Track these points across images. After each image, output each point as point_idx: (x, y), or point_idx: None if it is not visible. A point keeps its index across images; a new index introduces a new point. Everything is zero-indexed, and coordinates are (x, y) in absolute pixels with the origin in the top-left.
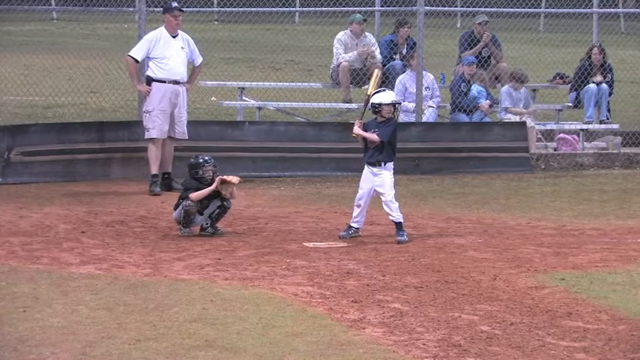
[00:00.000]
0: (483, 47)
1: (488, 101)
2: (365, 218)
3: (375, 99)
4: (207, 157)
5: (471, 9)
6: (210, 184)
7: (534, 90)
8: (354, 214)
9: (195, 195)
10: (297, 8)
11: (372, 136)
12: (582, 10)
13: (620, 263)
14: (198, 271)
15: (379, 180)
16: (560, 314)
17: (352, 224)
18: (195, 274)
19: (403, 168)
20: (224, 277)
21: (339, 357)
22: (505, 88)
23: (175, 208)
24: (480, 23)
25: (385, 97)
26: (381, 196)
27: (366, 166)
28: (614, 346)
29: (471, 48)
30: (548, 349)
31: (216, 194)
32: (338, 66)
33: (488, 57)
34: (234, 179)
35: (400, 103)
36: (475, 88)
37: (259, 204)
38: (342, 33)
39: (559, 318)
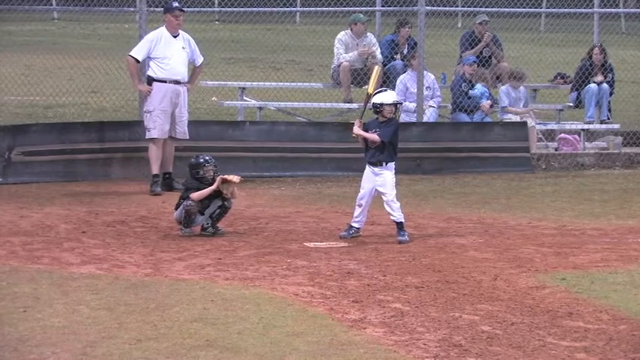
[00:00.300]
0: (484, 47)
1: (489, 101)
2: (366, 218)
3: (377, 99)
4: (207, 157)
5: (471, 9)
6: (210, 184)
7: (535, 90)
8: (355, 213)
9: (196, 195)
10: (298, 8)
11: (373, 137)
12: (583, 10)
13: (621, 263)
14: (199, 271)
15: (380, 180)
16: (561, 314)
17: (353, 224)
18: (196, 274)
19: (404, 168)
20: (225, 277)
21: (340, 357)
22: (504, 87)
23: (176, 208)
24: (480, 23)
25: (387, 97)
26: (383, 196)
27: (367, 166)
28: (615, 345)
29: (472, 48)
30: (549, 349)
31: (217, 194)
32: (339, 66)
33: (489, 57)
34: (235, 178)
35: (401, 103)
36: (479, 88)
37: (260, 204)
38: (342, 33)
39: (560, 318)
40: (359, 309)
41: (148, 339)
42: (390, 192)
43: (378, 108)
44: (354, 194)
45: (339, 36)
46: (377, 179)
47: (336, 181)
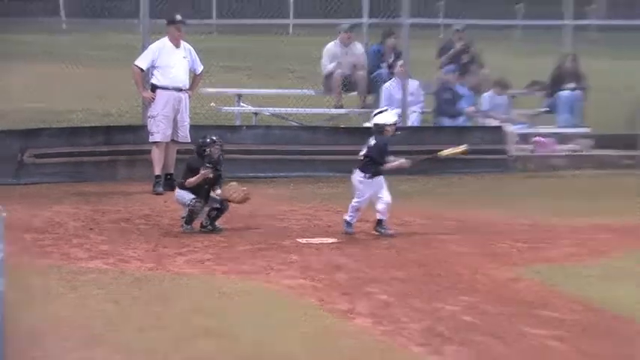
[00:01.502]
0: (463, 54)
1: (473, 107)
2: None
3: (379, 120)
4: (215, 137)
5: (452, 21)
6: (216, 163)
7: (513, 96)
8: (353, 213)
9: (191, 180)
10: (291, 20)
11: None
12: (557, 22)
13: (592, 257)
14: (199, 265)
15: (379, 184)
16: (536, 305)
17: (350, 220)
18: (195, 269)
19: None
20: (223, 271)
21: (331, 346)
22: (487, 93)
23: (180, 187)
24: (456, 30)
25: (388, 118)
26: (382, 198)
27: (373, 176)
28: (587, 334)
29: (449, 55)
30: (525, 337)
31: (211, 185)
32: (329, 75)
33: (467, 63)
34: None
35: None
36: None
37: (256, 203)
38: (331, 43)
39: (536, 308)
40: (348, 300)
41: (152, 329)
42: (388, 194)
43: (380, 128)
44: (344, 193)
45: (328, 46)
46: (375, 184)
47: (327, 181)
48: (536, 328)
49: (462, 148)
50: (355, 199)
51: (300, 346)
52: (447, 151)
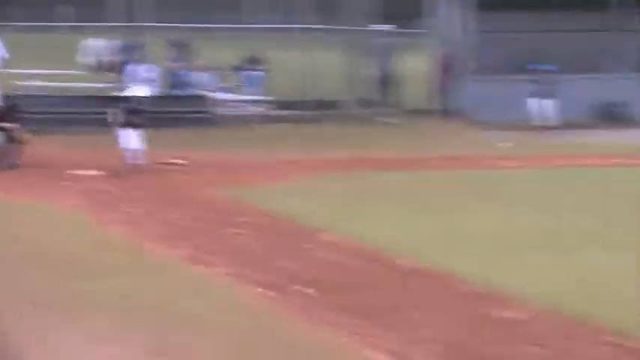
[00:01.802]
0: (183, 48)
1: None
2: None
3: (133, 93)
4: (17, 98)
5: (184, 25)
6: (18, 113)
7: (220, 75)
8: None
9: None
10: (69, 24)
11: None
12: (248, 25)
13: (273, 181)
14: (5, 191)
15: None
16: (234, 213)
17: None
18: (2, 193)
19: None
20: (24, 195)
21: (99, 241)
22: (203, 73)
23: None
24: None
25: (140, 92)
26: (134, 145)
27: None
28: (266, 231)
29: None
30: (228, 233)
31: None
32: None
33: (187, 54)
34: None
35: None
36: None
37: (46, 149)
38: (93, 40)
39: (233, 215)
40: (110, 213)
41: None
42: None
43: (133, 99)
44: (110, 143)
45: (89, 42)
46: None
47: (95, 134)
48: (233, 228)
49: (183, 161)
50: (123, 146)
51: (75, 238)
52: (174, 160)
